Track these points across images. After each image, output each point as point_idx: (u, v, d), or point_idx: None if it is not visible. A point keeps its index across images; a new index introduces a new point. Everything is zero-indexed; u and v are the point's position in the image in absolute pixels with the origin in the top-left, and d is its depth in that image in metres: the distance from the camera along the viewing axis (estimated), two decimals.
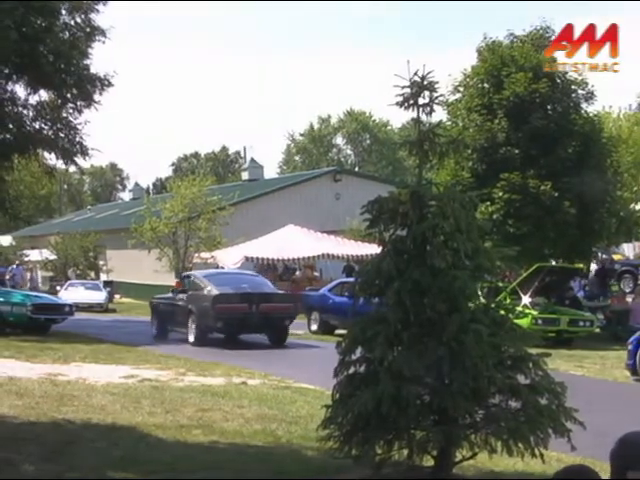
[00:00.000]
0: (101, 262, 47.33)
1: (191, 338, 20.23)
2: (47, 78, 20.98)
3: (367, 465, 7.03)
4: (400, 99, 7.25)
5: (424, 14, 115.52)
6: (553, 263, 26.08)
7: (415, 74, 7.15)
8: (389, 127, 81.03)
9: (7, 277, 37.18)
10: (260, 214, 38.41)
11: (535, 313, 20.85)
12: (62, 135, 22.25)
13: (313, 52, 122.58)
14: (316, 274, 35.63)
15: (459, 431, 6.79)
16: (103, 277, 45.71)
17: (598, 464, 5.64)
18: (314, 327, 24.35)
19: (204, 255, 33.46)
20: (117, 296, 41.65)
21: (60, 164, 24.56)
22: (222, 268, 30.25)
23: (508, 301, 16.63)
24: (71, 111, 22.33)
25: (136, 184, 68.57)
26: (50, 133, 22.29)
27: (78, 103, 22.19)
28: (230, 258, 31.98)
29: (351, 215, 30.43)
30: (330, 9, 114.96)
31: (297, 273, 35.34)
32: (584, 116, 27.05)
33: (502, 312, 7.29)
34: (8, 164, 22.68)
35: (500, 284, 18.42)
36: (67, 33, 22.07)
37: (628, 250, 40.19)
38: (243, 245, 33.33)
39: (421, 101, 7.24)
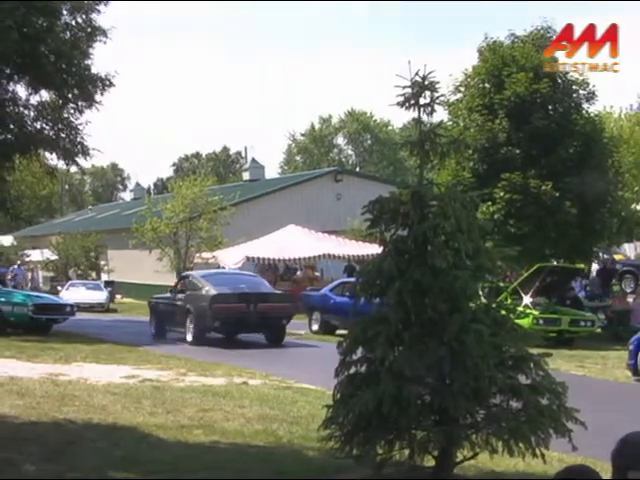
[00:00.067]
0: (102, 262, 47.33)
1: (189, 337, 20.40)
2: (48, 78, 21.00)
3: (368, 465, 7.03)
4: (401, 99, 7.25)
5: (424, 14, 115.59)
6: (554, 263, 26.06)
7: (416, 74, 7.15)
8: (390, 127, 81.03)
9: (9, 277, 37.25)
10: (261, 214, 38.43)
11: (536, 313, 20.85)
12: (63, 135, 22.28)
13: (313, 52, 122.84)
14: (317, 274, 35.64)
15: (460, 431, 6.79)
16: (104, 277, 45.71)
17: (599, 464, 5.64)
18: (315, 327, 24.37)
19: (205, 255, 33.47)
20: (118, 296, 41.66)
21: (61, 164, 24.63)
22: (223, 268, 30.28)
23: (509, 301, 16.63)
24: (72, 111, 22.37)
25: (137, 184, 68.61)
26: (51, 133, 22.32)
27: (79, 103, 22.22)
28: (231, 258, 32.00)
29: (352, 215, 30.42)
30: (330, 9, 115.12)
31: (298, 273, 35.35)
32: (585, 116, 27.05)
33: (503, 312, 7.29)
34: (9, 164, 22.71)
35: (501, 284, 18.42)
36: (68, 33, 22.10)
37: (629, 250, 40.15)
38: (244, 245, 33.34)
39: (422, 101, 7.24)
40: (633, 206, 32.47)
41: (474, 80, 27.49)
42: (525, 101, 25.84)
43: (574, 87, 26.97)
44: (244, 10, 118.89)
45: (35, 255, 48.04)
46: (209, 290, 20.52)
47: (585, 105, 27.30)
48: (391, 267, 6.90)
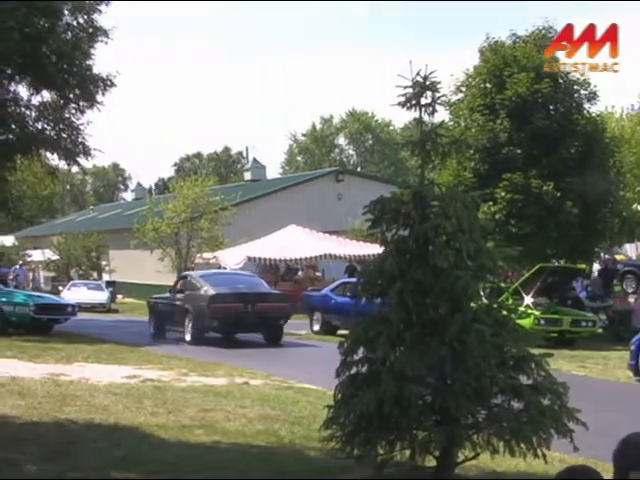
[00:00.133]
0: (103, 262, 47.34)
1: (188, 337, 20.49)
2: (50, 78, 21.03)
3: (369, 465, 7.03)
4: (402, 99, 7.25)
5: (424, 14, 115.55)
6: (555, 263, 26.06)
7: (417, 74, 7.15)
8: (391, 127, 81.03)
9: (10, 277, 37.28)
10: (262, 214, 38.43)
11: (537, 313, 20.85)
12: (64, 135, 22.31)
13: (313, 52, 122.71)
14: (318, 274, 35.64)
15: (461, 431, 6.78)
16: (105, 277, 45.72)
17: (600, 464, 5.63)
18: (316, 327, 24.37)
19: (206, 255, 33.48)
20: (119, 296, 41.67)
21: (62, 164, 24.69)
22: (224, 268, 30.29)
23: (510, 301, 16.58)
24: (73, 111, 22.41)
25: (138, 184, 68.64)
26: (53, 133, 22.35)
27: (80, 103, 22.25)
28: (232, 258, 32.01)
29: (353, 215, 30.42)
30: (330, 9, 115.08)
31: (299, 273, 35.36)
32: (586, 116, 27.04)
33: (504, 312, 7.29)
34: (11, 164, 22.75)
35: (502, 284, 18.45)
36: (69, 33, 22.14)
37: (631, 250, 40.13)
38: (245, 245, 33.35)
39: (423, 101, 7.24)
40: (635, 206, 32.47)
41: (475, 80, 27.48)
42: (526, 101, 25.84)
43: (575, 87, 26.96)
44: (244, 10, 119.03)
45: (36, 255, 48.07)
46: (208, 290, 20.61)
47: (586, 105, 27.31)
48: (392, 267, 6.90)
